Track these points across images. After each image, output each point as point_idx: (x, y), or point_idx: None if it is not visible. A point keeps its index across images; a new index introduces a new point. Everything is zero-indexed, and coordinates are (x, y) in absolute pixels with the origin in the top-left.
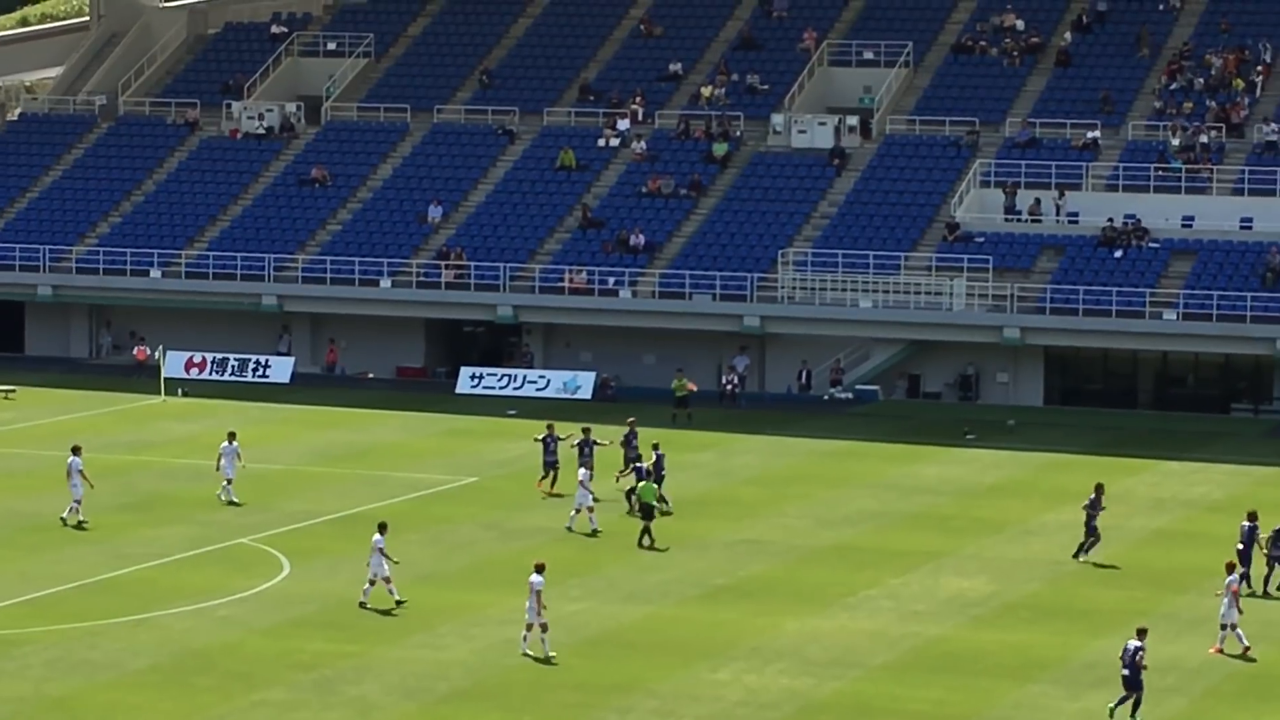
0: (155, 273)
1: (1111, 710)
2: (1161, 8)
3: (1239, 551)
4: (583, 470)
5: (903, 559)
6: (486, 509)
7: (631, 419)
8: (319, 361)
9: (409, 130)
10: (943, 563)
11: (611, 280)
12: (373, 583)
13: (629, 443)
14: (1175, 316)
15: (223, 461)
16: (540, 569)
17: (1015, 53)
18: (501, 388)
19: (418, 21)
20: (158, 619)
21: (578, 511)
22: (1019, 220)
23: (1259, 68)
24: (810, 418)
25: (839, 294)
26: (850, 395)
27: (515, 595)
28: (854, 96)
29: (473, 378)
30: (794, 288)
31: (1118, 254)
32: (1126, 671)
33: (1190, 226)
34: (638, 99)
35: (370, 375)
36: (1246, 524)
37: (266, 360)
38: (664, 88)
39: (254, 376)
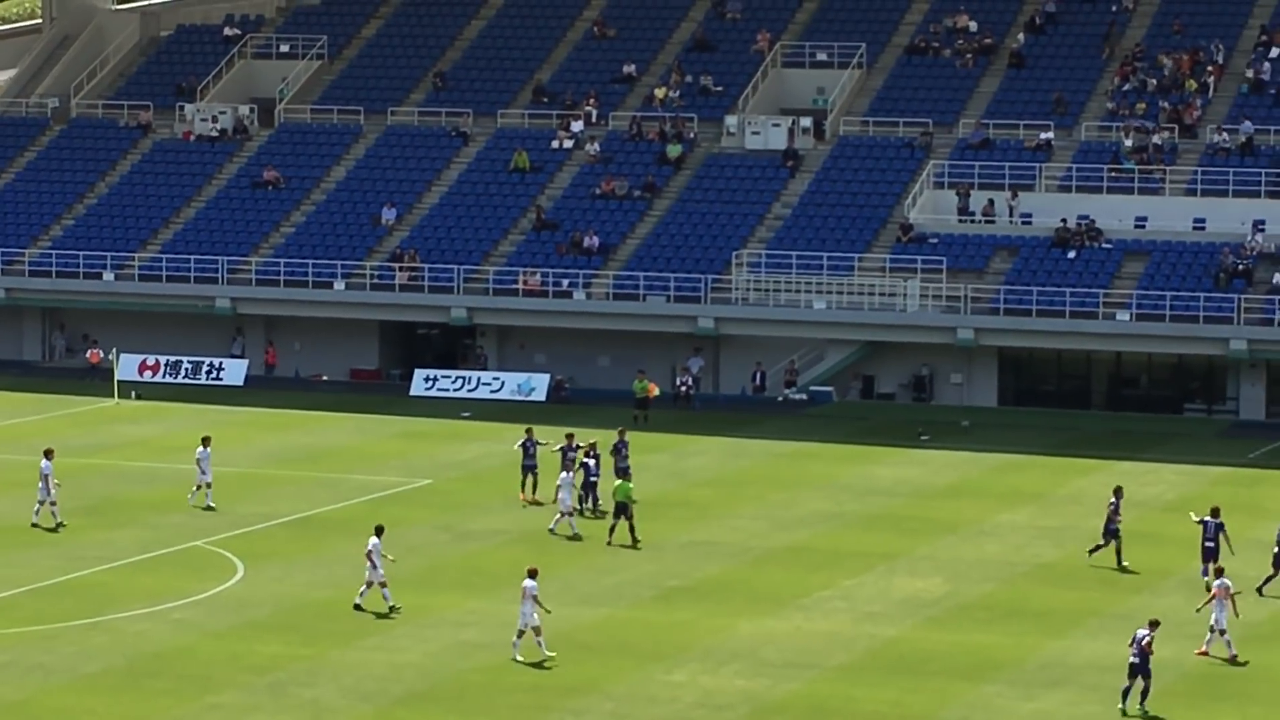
0: (109, 275)
1: (1125, 693)
2: (1115, 9)
3: (1208, 548)
4: (564, 474)
5: (857, 560)
6: (440, 511)
7: (621, 428)
8: None
9: (362, 132)
10: (897, 564)
11: (565, 282)
12: (369, 585)
13: (618, 451)
14: (1128, 317)
15: (201, 466)
16: (533, 574)
17: (968, 54)
18: (456, 390)
19: (371, 23)
20: (111, 622)
21: (563, 515)
22: (973, 221)
23: (1211, 68)
24: (765, 419)
25: (793, 295)
26: (805, 396)
27: (470, 597)
28: (807, 98)
29: (427, 380)
30: (748, 289)
31: (1071, 255)
32: (1135, 659)
33: (1143, 227)
34: (591, 101)
35: (324, 378)
36: (1211, 520)
37: (220, 363)
38: (617, 89)
39: (207, 379)
